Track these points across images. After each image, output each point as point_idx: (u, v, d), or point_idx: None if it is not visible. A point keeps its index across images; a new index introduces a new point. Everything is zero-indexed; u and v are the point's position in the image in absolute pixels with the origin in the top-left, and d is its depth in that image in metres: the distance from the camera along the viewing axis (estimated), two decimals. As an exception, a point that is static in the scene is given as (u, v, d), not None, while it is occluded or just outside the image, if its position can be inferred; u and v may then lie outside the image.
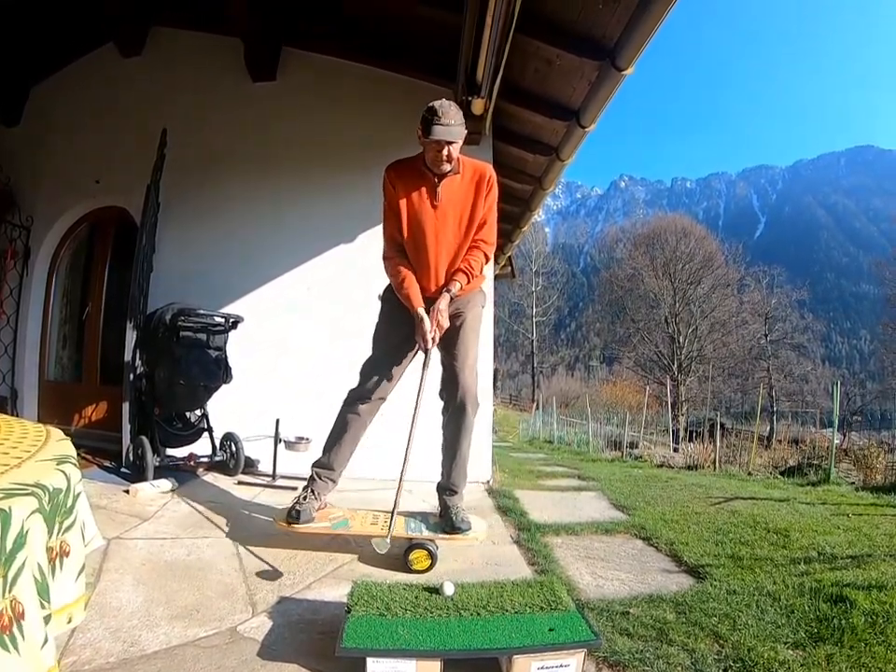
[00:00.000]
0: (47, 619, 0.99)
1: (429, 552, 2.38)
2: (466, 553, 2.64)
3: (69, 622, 1.19)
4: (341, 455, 2.63)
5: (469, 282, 2.54)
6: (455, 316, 2.56)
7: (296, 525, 2.48)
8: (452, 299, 2.50)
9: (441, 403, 2.64)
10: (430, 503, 3.40)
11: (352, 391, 2.65)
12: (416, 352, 2.65)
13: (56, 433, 1.39)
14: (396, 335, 2.61)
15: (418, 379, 2.56)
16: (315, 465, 2.66)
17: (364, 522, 2.60)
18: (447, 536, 2.54)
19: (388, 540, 2.26)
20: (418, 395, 2.46)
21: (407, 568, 2.37)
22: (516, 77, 3.79)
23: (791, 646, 1.78)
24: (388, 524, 2.37)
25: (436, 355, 2.61)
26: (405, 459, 2.40)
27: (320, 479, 2.62)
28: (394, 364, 2.61)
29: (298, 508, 2.51)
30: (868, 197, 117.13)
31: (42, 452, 1.21)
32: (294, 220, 4.53)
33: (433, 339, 2.44)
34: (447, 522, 2.57)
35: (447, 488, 2.67)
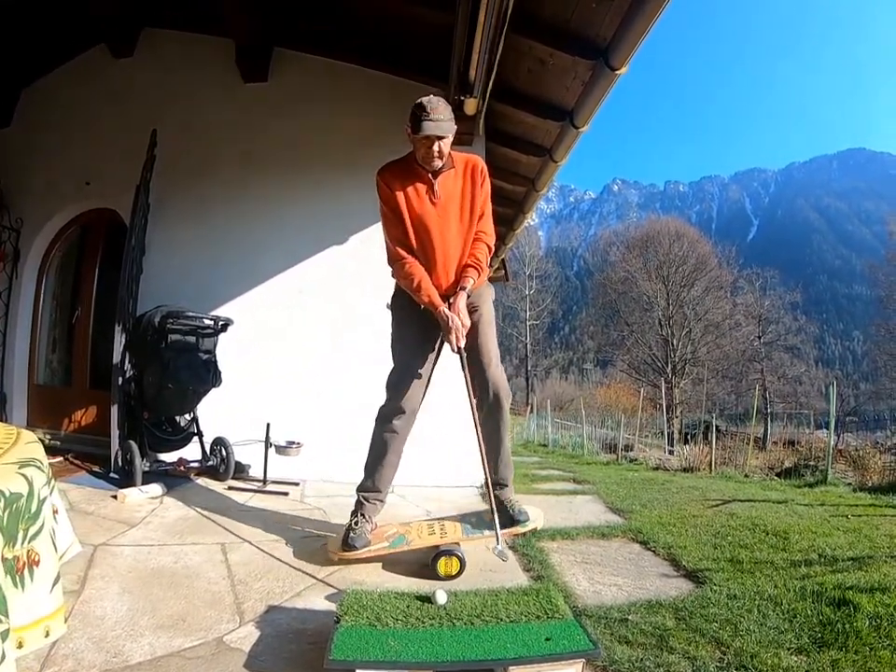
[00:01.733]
0: (4, 634, 0.93)
1: (459, 557, 2.33)
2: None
3: (47, 635, 1.13)
4: (385, 475, 2.56)
5: (479, 276, 2.49)
6: (471, 312, 2.51)
7: (355, 553, 2.40)
8: (468, 295, 2.45)
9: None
10: (424, 508, 3.38)
11: (383, 408, 2.55)
12: (439, 352, 2.59)
13: (27, 436, 1.33)
14: (414, 341, 2.53)
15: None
16: (360, 489, 2.58)
17: (421, 534, 2.52)
18: (508, 530, 2.51)
19: (501, 546, 2.23)
20: (469, 396, 2.40)
21: (399, 574, 2.33)
22: (509, 77, 3.76)
23: (794, 651, 1.74)
24: (458, 529, 2.41)
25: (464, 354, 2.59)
26: (483, 462, 2.36)
27: (368, 502, 2.54)
28: (420, 372, 2.52)
29: (353, 535, 2.42)
30: (860, 199, 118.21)
31: (6, 455, 1.14)
32: (285, 222, 4.48)
33: (463, 337, 2.38)
34: (504, 516, 2.52)
35: (496, 483, 2.60)
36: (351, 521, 2.50)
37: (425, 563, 2.39)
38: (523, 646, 1.56)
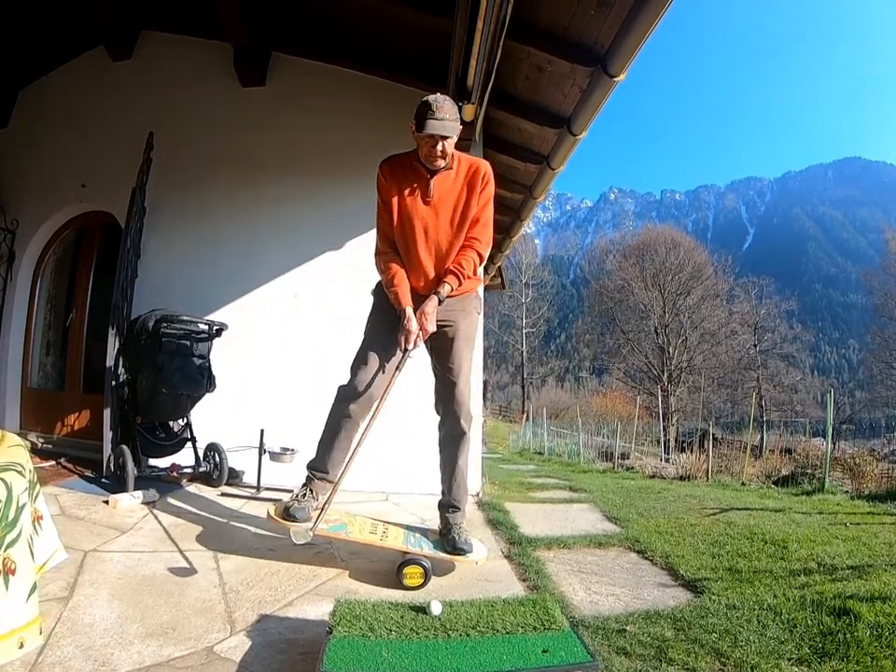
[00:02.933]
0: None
1: (424, 568, 2.31)
2: (456, 567, 2.56)
3: (21, 647, 1.09)
4: (335, 457, 2.50)
5: (460, 284, 2.46)
6: (447, 325, 2.48)
7: (292, 523, 2.37)
8: (441, 301, 2.41)
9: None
10: (419, 516, 3.34)
11: (342, 388, 2.53)
12: (408, 353, 2.54)
13: (10, 439, 1.29)
14: (386, 331, 2.49)
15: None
16: (310, 465, 2.56)
17: (363, 529, 2.52)
18: (448, 556, 2.48)
19: (310, 533, 2.19)
20: (381, 398, 2.38)
21: (393, 585, 2.30)
22: (507, 83, 3.75)
23: (795, 662, 1.72)
24: (401, 536, 2.38)
25: (427, 364, 2.56)
26: (348, 462, 2.36)
27: (316, 479, 2.52)
28: (385, 362, 2.49)
29: (296, 505, 2.41)
30: (855, 208, 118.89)
31: (-14, 459, 1.12)
32: (282, 227, 4.46)
33: (415, 341, 2.36)
34: (449, 541, 2.51)
35: (449, 505, 2.60)
36: (298, 493, 2.48)
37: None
38: (519, 658, 1.54)
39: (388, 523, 2.70)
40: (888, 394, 30.56)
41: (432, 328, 2.38)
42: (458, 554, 2.47)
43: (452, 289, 2.44)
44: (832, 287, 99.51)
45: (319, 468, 2.52)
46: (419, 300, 2.41)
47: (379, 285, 2.62)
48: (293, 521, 2.37)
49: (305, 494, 2.47)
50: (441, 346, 2.50)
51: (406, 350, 2.36)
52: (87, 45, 5.07)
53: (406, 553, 2.38)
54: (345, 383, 2.52)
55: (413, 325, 2.34)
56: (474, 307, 2.63)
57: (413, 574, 2.29)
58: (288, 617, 2.00)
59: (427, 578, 2.30)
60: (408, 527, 2.67)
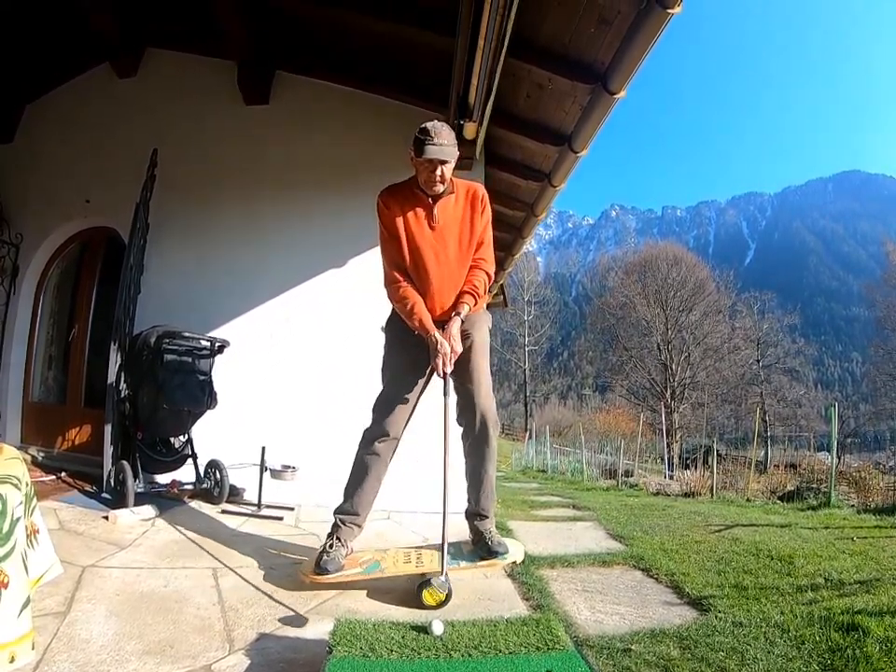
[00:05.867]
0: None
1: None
2: (456, 587, 2.52)
3: (11, 661, 1.08)
4: (364, 499, 2.51)
5: (476, 303, 2.50)
6: (464, 338, 2.49)
7: (327, 577, 2.34)
8: (462, 322, 2.44)
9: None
10: (421, 534, 3.31)
11: (367, 431, 2.53)
12: (428, 380, 2.56)
13: (8, 452, 1.28)
14: (404, 366, 2.52)
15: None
16: (338, 511, 2.54)
17: (396, 561, 2.47)
18: (486, 562, 2.47)
19: (445, 577, 2.20)
20: (445, 422, 2.38)
21: (395, 604, 2.27)
22: (508, 101, 3.79)
23: (803, 681, 1.68)
24: (436, 559, 2.37)
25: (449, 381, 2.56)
26: (445, 490, 2.33)
27: (345, 525, 2.50)
28: (408, 398, 2.51)
29: (326, 558, 2.37)
30: (855, 221, 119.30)
31: (-18, 471, 1.11)
32: (284, 244, 4.47)
33: (451, 363, 2.37)
34: (483, 547, 2.50)
35: (477, 514, 2.58)
36: (326, 544, 2.46)
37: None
38: (522, 678, 1.51)
39: (421, 548, 2.66)
40: (892, 406, 30.41)
41: (460, 348, 2.40)
42: (494, 558, 2.46)
43: (470, 309, 2.47)
44: (834, 301, 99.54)
45: (349, 511, 2.51)
46: (437, 325, 2.42)
47: (389, 320, 2.62)
48: (325, 574, 2.34)
49: (333, 544, 2.44)
50: (461, 359, 2.48)
51: (445, 374, 2.38)
52: (93, 62, 5.13)
53: (424, 574, 2.34)
54: (370, 425, 2.53)
55: (446, 347, 2.35)
56: (485, 322, 2.65)
57: (433, 593, 2.24)
58: (288, 636, 1.97)
59: (448, 595, 2.25)
60: (440, 547, 2.63)
